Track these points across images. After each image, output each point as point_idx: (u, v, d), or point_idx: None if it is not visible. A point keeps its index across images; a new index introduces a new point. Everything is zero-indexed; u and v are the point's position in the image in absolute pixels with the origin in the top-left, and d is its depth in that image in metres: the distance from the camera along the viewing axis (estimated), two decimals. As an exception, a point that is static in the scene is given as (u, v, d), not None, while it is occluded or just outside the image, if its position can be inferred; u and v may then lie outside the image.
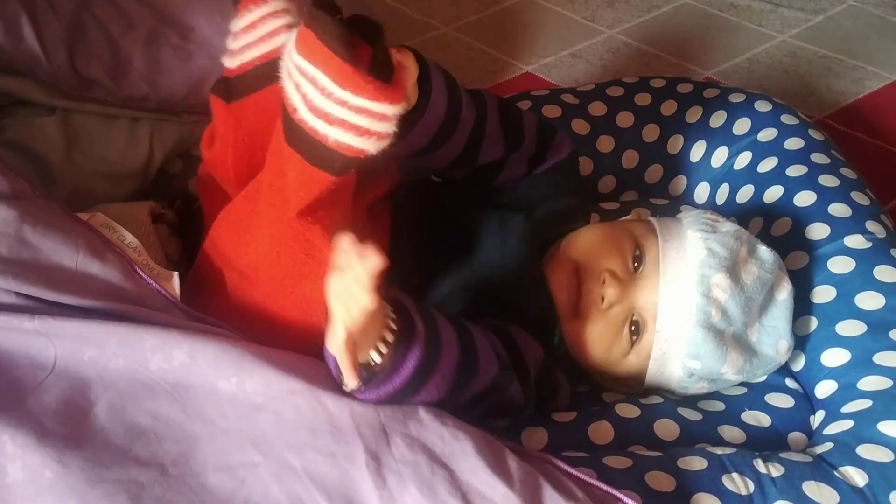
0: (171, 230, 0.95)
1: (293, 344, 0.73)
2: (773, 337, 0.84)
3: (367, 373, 0.66)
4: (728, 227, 0.86)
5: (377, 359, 0.65)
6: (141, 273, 0.77)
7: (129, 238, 0.84)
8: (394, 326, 0.65)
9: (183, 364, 0.68)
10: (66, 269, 0.71)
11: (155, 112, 1.03)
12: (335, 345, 0.62)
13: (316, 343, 0.73)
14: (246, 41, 0.83)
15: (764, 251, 0.86)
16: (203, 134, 0.90)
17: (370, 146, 0.66)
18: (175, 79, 1.02)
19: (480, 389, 0.74)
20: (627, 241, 0.84)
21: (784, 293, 0.86)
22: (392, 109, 0.65)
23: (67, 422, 0.64)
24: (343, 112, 0.64)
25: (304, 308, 0.74)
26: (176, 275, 0.82)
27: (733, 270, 0.82)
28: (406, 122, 0.74)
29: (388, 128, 0.65)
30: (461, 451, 0.66)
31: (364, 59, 0.65)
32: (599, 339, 0.83)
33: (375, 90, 0.64)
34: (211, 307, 0.81)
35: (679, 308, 0.81)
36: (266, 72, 0.79)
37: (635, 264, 0.83)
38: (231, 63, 0.84)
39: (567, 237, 0.88)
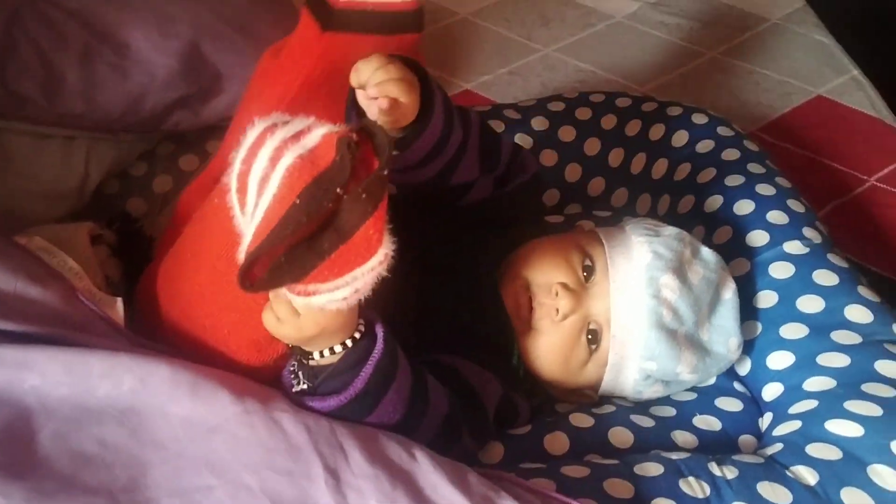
0: (111, 251, 0.93)
1: (242, 368, 0.72)
2: (724, 335, 0.86)
3: (322, 374, 0.66)
4: (670, 230, 0.88)
5: (338, 349, 0.66)
6: (83, 299, 0.74)
7: (70, 263, 0.81)
8: (359, 332, 0.66)
9: (133, 389, 0.65)
10: (4, 295, 0.68)
11: (91, 131, 1.00)
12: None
13: (266, 370, 0.72)
14: None
15: (706, 252, 0.88)
16: (270, 48, 0.87)
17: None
18: (111, 96, 1.00)
19: (434, 425, 0.73)
20: (575, 251, 0.85)
21: (729, 292, 0.88)
22: (373, 262, 0.58)
23: (8, 451, 0.61)
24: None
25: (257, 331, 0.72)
26: (119, 301, 0.80)
27: (680, 271, 0.83)
28: (401, 145, 0.73)
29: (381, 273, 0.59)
30: (420, 467, 0.65)
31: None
32: (557, 352, 0.83)
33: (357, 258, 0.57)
34: (158, 329, 0.79)
35: (631, 311, 0.82)
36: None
37: (585, 274, 0.84)
38: None
39: (515, 253, 0.88)
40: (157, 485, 0.62)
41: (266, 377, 0.72)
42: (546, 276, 0.84)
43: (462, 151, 0.82)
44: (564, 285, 0.83)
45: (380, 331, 0.68)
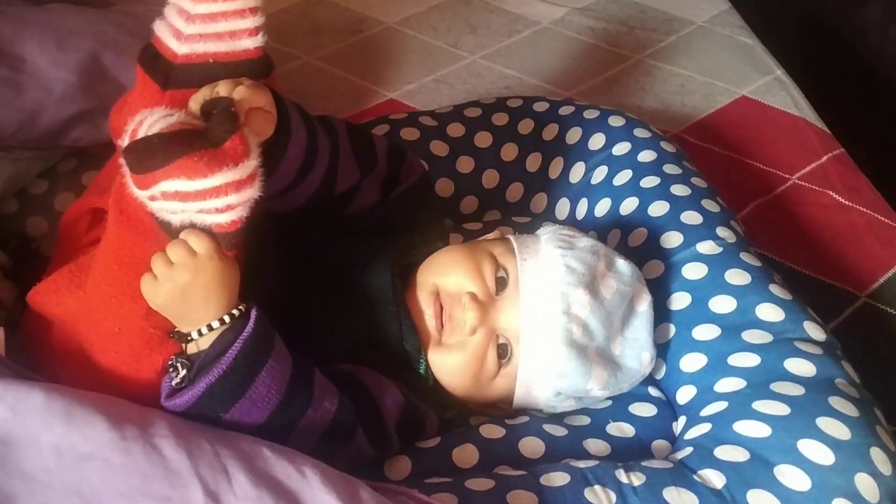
0: (3, 273, 0.89)
1: (126, 391, 0.70)
2: (636, 349, 0.84)
3: (199, 359, 0.68)
4: (585, 242, 0.85)
5: (216, 325, 0.68)
6: None
7: None
8: (231, 315, 0.69)
9: (4, 419, 0.62)
10: None
11: (-17, 148, 0.96)
12: None
13: (150, 388, 0.70)
14: (202, 30, 0.74)
15: (622, 264, 0.86)
16: (116, 105, 0.85)
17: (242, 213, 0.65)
18: (5, 111, 0.96)
19: (321, 421, 0.71)
20: (487, 261, 0.83)
21: (644, 304, 0.86)
22: (241, 171, 0.63)
23: None
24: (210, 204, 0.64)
25: (137, 353, 0.71)
26: (1, 330, 0.76)
27: (592, 286, 0.81)
28: (270, 160, 0.72)
29: (252, 193, 0.64)
30: (308, 486, 0.63)
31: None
32: (466, 365, 0.81)
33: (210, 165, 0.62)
34: (45, 354, 0.76)
35: (542, 327, 0.80)
36: (222, 73, 0.73)
37: (498, 286, 0.82)
38: (179, 48, 0.76)
39: (426, 261, 0.86)
40: (23, 518, 0.59)
41: (151, 396, 0.70)
42: (456, 286, 0.82)
43: (336, 155, 0.81)
44: (473, 296, 0.80)
45: (253, 312, 0.69)
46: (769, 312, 0.86)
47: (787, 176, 1.26)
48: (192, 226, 0.67)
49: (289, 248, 0.84)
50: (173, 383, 0.69)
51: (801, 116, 1.38)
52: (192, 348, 0.70)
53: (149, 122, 0.65)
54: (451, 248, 0.88)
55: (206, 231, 0.67)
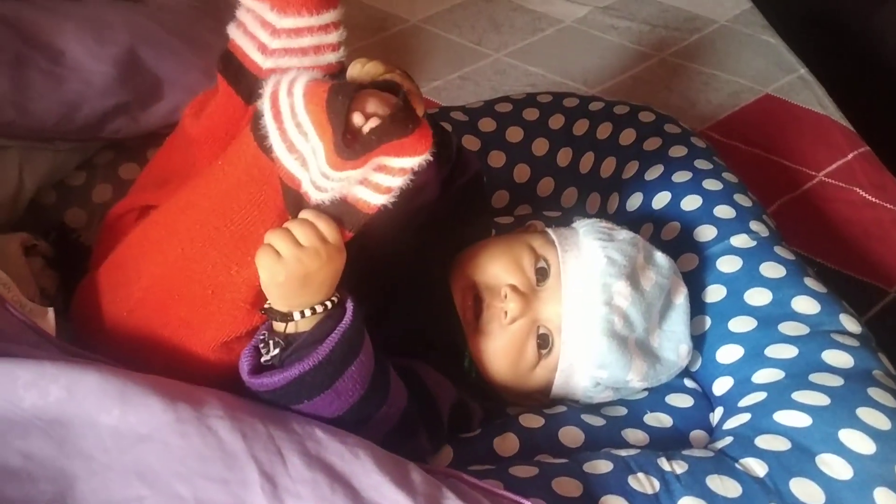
0: (46, 262, 0.90)
1: (183, 373, 0.70)
2: (674, 342, 0.85)
3: (296, 341, 0.67)
4: (624, 234, 0.86)
5: (319, 309, 0.67)
6: (11, 310, 0.72)
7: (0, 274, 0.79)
8: (331, 301, 0.68)
9: (59, 399, 0.63)
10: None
11: (24, 140, 0.97)
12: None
13: (209, 371, 0.71)
14: (286, 45, 0.74)
15: (660, 257, 0.87)
16: (191, 103, 0.83)
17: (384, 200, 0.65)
18: (45, 104, 0.96)
19: (392, 416, 0.72)
20: (527, 253, 0.83)
21: (681, 297, 0.87)
22: (415, 161, 0.63)
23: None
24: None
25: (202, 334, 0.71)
26: (51, 311, 0.77)
27: (633, 277, 0.82)
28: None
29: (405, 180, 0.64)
30: (362, 467, 0.64)
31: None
32: (505, 355, 0.81)
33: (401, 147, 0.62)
34: (98, 340, 0.77)
35: (583, 318, 0.80)
36: None
37: (538, 277, 0.82)
38: (264, 62, 0.74)
39: (462, 255, 0.86)
40: (84, 498, 0.60)
41: (226, 367, 0.70)
42: (495, 278, 0.82)
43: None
44: (514, 287, 0.81)
45: (349, 304, 0.68)
46: (805, 305, 0.87)
47: (813, 173, 1.27)
48: (336, 201, 0.66)
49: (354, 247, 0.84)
50: (262, 360, 0.68)
51: (825, 114, 1.39)
52: (285, 328, 0.68)
53: (287, 82, 0.64)
54: (490, 241, 0.88)
55: (333, 215, 0.67)
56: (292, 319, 0.68)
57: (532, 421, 0.82)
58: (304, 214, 0.67)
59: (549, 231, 0.88)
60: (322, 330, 0.67)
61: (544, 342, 0.81)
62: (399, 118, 0.61)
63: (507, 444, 0.80)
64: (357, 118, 0.61)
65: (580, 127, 1.13)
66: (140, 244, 0.75)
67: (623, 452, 0.76)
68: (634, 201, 1.05)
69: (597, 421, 0.83)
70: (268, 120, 0.65)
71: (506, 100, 1.18)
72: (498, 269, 0.82)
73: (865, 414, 0.75)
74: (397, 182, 0.64)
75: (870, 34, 2.05)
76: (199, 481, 0.61)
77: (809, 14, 1.92)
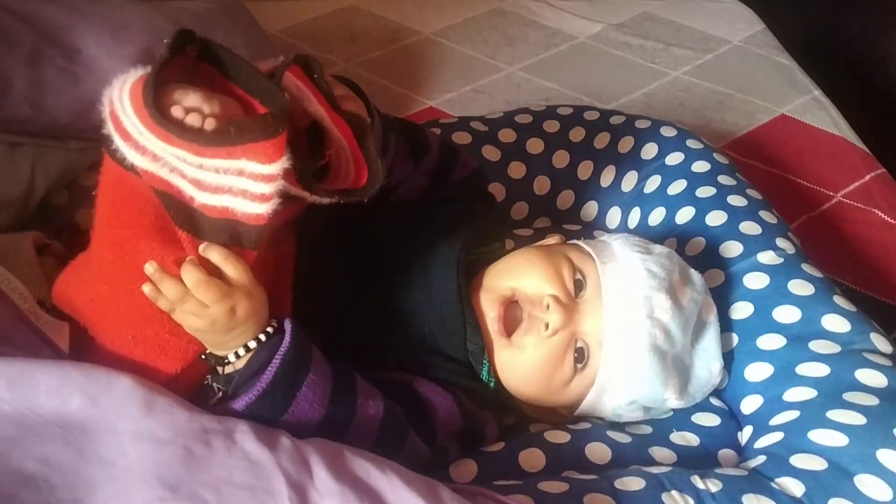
0: (58, 263, 0.87)
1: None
2: (706, 360, 0.83)
3: (236, 378, 0.67)
4: (660, 249, 0.85)
5: (252, 345, 0.68)
6: (27, 321, 0.70)
7: (15, 283, 0.76)
8: (266, 332, 0.68)
9: (82, 406, 0.61)
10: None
11: (38, 137, 0.95)
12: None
13: (179, 383, 0.69)
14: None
15: (694, 274, 0.85)
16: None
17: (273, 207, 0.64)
18: (60, 101, 0.95)
19: (369, 427, 0.70)
20: (566, 265, 0.80)
21: (711, 316, 0.85)
22: (273, 168, 0.62)
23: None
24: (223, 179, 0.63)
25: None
26: (66, 326, 0.75)
27: (671, 292, 0.80)
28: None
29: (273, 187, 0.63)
30: (389, 483, 0.62)
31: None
32: (541, 368, 0.78)
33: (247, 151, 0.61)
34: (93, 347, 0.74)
35: (626, 331, 0.78)
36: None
37: (576, 289, 0.80)
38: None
39: (496, 263, 0.83)
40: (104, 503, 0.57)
41: (185, 392, 0.68)
42: (536, 288, 0.79)
43: (393, 155, 0.82)
44: (556, 298, 0.77)
45: (288, 326, 0.68)
46: (835, 323, 0.85)
47: (831, 194, 1.26)
48: (224, 222, 0.65)
49: (344, 246, 0.82)
50: (210, 403, 0.68)
51: (840, 136, 1.39)
52: (227, 368, 0.69)
53: (116, 93, 0.63)
54: (526, 251, 0.85)
55: (228, 241, 0.66)
56: (229, 362, 0.69)
57: (557, 436, 0.80)
58: (208, 254, 0.65)
59: (582, 243, 0.85)
60: (259, 361, 0.67)
61: (580, 356, 0.79)
62: (260, 124, 0.61)
63: (533, 459, 0.77)
64: (176, 110, 0.61)
65: (601, 140, 1.12)
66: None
67: (655, 469, 0.74)
68: (657, 216, 1.03)
69: (623, 438, 0.81)
70: (118, 142, 0.63)
71: (526, 111, 1.16)
72: (538, 278, 0.79)
73: (903, 434, 0.73)
74: (267, 188, 0.62)
75: (872, 63, 2.06)
76: (223, 486, 0.59)
77: (814, 41, 1.93)
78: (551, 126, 1.13)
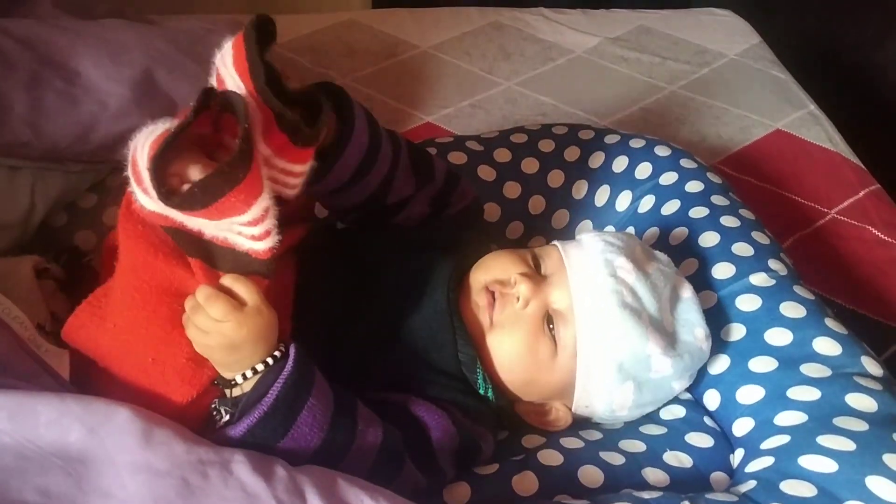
0: (58, 286, 0.88)
1: (174, 406, 0.71)
2: (688, 327, 0.85)
3: (242, 401, 0.69)
4: (620, 233, 0.89)
5: (260, 367, 0.69)
6: (27, 350, 0.71)
7: (15, 312, 0.78)
8: (274, 356, 0.70)
9: (80, 438, 0.62)
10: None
11: (38, 161, 0.96)
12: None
13: (194, 409, 0.72)
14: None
15: (658, 253, 0.89)
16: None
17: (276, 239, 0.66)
18: (60, 125, 0.96)
19: (367, 453, 0.72)
20: (528, 253, 0.87)
21: (688, 292, 0.88)
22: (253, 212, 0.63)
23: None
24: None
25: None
26: (66, 354, 0.76)
27: (633, 258, 0.84)
28: (330, 155, 0.77)
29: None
30: (380, 512, 0.62)
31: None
32: (523, 342, 0.81)
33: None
34: (93, 375, 0.76)
35: (592, 292, 0.82)
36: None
37: (543, 271, 0.85)
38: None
39: (472, 267, 0.87)
40: (101, 535, 0.58)
41: (195, 418, 0.71)
42: (504, 272, 0.84)
43: (395, 165, 0.85)
44: (522, 273, 0.83)
45: (292, 351, 0.70)
46: (826, 346, 0.86)
47: (825, 210, 1.27)
48: (235, 252, 0.67)
49: (341, 271, 0.84)
50: (216, 427, 0.70)
51: (836, 151, 1.39)
52: (235, 391, 0.71)
53: (141, 140, 0.64)
54: (490, 252, 0.90)
55: (244, 275, 0.68)
56: (236, 384, 0.70)
57: (550, 458, 0.81)
58: (223, 281, 0.68)
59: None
60: (264, 385, 0.69)
61: (556, 326, 0.82)
62: (218, 177, 0.61)
63: (526, 483, 0.78)
64: (175, 180, 0.62)
65: (596, 159, 1.13)
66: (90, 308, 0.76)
67: (645, 495, 0.75)
68: (650, 236, 1.04)
69: (616, 459, 0.82)
70: (132, 183, 0.65)
71: (521, 130, 1.17)
72: (504, 264, 0.84)
73: (891, 460, 0.74)
74: (260, 229, 0.65)
75: (870, 72, 2.07)
76: (219, 518, 0.59)
77: (810, 51, 1.94)
78: (546, 145, 1.14)
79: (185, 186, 0.62)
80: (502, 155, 1.13)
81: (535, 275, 0.84)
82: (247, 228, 0.64)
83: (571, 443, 0.84)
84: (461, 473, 0.79)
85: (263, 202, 0.63)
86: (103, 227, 1.02)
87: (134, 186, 0.64)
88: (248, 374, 0.70)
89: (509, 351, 0.82)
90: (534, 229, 1.12)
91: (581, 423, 0.88)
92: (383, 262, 0.85)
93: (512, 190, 1.11)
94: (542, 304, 0.82)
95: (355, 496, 0.63)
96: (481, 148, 1.13)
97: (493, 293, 0.83)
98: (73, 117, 0.96)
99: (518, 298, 0.81)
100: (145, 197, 0.64)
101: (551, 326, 0.82)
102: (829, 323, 0.89)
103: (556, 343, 0.82)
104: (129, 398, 0.71)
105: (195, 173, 0.62)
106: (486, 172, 1.11)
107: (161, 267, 0.70)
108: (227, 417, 0.70)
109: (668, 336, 0.83)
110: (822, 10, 2.12)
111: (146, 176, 0.62)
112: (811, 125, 1.45)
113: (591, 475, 0.79)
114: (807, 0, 2.11)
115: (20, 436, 0.61)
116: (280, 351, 0.70)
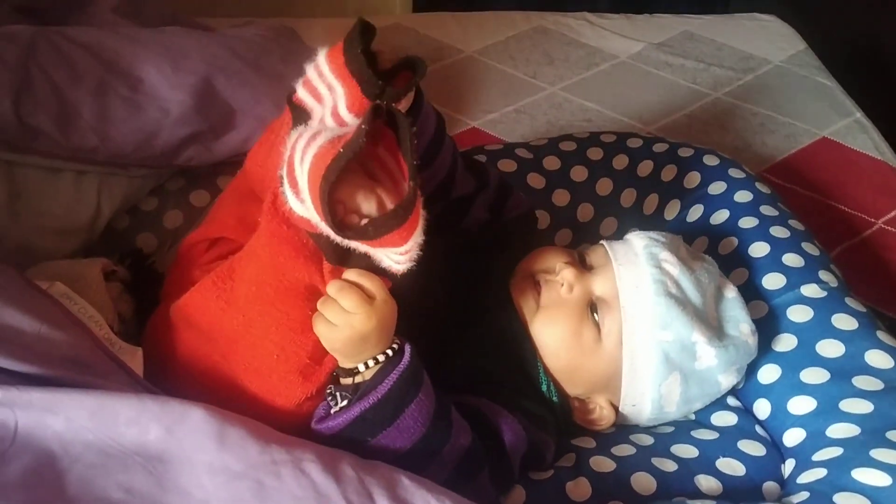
0: (124, 288, 0.91)
1: (263, 414, 0.72)
2: (733, 322, 0.88)
3: (362, 388, 0.71)
4: (664, 233, 0.92)
5: (381, 357, 0.72)
6: (104, 348, 0.73)
7: (90, 311, 0.80)
8: (392, 349, 0.72)
9: (159, 437, 0.64)
10: (29, 338, 0.67)
11: (103, 165, 0.99)
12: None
13: (301, 410, 0.74)
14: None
15: (705, 255, 0.92)
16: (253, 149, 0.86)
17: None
18: (125, 131, 0.99)
19: (455, 455, 0.73)
20: (573, 251, 0.91)
21: (732, 292, 0.90)
22: (406, 247, 0.65)
23: (37, 494, 0.59)
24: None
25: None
26: (140, 352, 0.79)
27: (677, 253, 0.87)
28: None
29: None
30: (448, 513, 0.64)
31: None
32: (567, 326, 0.84)
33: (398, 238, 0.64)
34: (170, 375, 0.78)
35: (636, 282, 0.84)
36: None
37: (587, 265, 0.88)
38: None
39: (520, 262, 0.91)
40: (181, 533, 0.61)
41: (300, 418, 0.73)
42: (549, 264, 0.87)
43: (455, 163, 0.89)
44: (566, 262, 0.87)
45: (407, 347, 0.73)
46: (878, 359, 0.87)
47: (872, 220, 1.27)
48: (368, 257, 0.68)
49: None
50: (332, 411, 0.72)
51: (882, 160, 1.39)
52: (353, 381, 0.73)
53: (301, 145, 0.65)
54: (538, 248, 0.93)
55: (371, 268, 0.69)
56: (358, 373, 0.72)
57: (603, 465, 0.82)
58: (347, 275, 0.70)
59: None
60: (382, 375, 0.72)
61: (600, 314, 0.84)
62: (392, 219, 0.62)
63: (580, 489, 0.80)
64: (340, 208, 0.63)
65: (644, 168, 1.14)
66: (213, 287, 0.77)
67: (699, 503, 0.76)
68: (699, 245, 1.05)
69: (668, 465, 0.83)
70: (286, 186, 0.66)
71: (569, 138, 1.18)
72: (551, 257, 0.88)
73: (946, 475, 0.74)
74: (407, 256, 0.66)
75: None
76: (293, 519, 0.61)
77: (863, 57, 1.92)
78: (595, 153, 1.15)
79: (362, 221, 0.63)
80: (551, 163, 1.14)
81: (579, 265, 0.87)
82: (395, 256, 0.66)
83: (624, 450, 0.85)
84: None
85: (419, 237, 0.64)
86: (163, 229, 1.05)
87: (287, 190, 0.65)
88: (370, 363, 0.72)
89: (553, 334, 0.85)
90: (582, 237, 1.13)
91: (632, 429, 0.90)
92: (454, 264, 0.89)
93: (561, 198, 1.13)
94: (585, 291, 0.85)
95: (422, 497, 0.65)
96: (531, 155, 1.15)
97: (538, 281, 0.86)
98: (137, 124, 0.99)
99: (562, 284, 0.84)
100: (297, 202, 0.65)
101: (596, 314, 0.84)
102: (881, 336, 0.89)
103: (600, 330, 0.84)
104: (228, 388, 0.75)
105: (365, 205, 0.64)
106: (535, 180, 1.12)
107: (301, 269, 0.72)
108: (343, 403, 0.72)
109: (712, 328, 0.85)
110: (868, 14, 2.10)
111: (308, 194, 0.63)
112: (857, 133, 1.45)
113: (643, 482, 0.81)
114: (852, 4, 2.10)
115: (102, 433, 0.63)
116: (397, 344, 0.73)
